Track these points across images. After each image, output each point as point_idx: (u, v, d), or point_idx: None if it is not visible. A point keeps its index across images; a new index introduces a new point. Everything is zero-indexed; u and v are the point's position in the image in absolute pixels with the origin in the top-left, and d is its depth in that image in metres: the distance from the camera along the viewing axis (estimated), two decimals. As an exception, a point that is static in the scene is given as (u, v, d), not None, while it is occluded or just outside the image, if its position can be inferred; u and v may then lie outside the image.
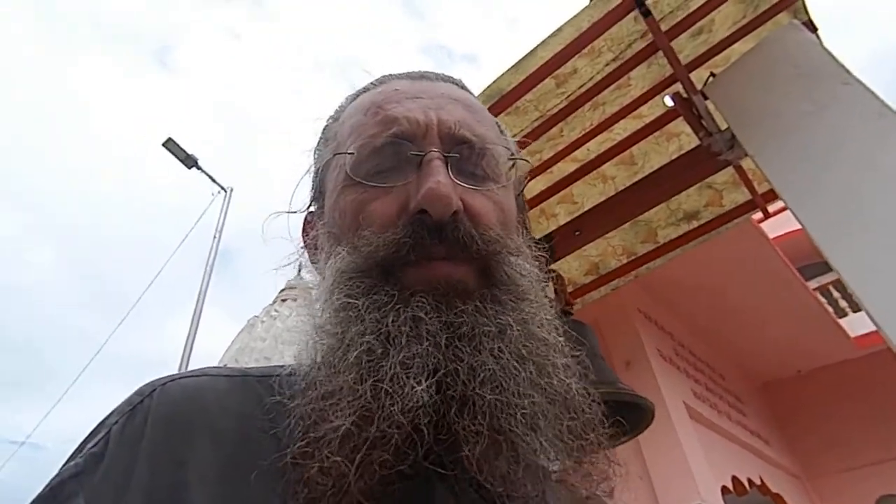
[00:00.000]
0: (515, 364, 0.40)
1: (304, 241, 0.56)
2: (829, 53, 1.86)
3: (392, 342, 0.38)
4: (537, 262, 0.49)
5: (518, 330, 0.42)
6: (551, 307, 0.47)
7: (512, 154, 0.53)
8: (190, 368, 0.44)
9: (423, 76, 0.55)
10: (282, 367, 0.44)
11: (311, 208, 0.56)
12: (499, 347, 0.40)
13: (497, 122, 0.57)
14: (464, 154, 0.48)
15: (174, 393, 0.38)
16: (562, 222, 2.50)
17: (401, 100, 0.50)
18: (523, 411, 0.39)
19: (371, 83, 0.56)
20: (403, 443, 0.36)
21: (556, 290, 2.17)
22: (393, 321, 0.39)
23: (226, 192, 5.34)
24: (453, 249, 0.43)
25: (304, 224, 0.58)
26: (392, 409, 0.36)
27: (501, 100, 2.07)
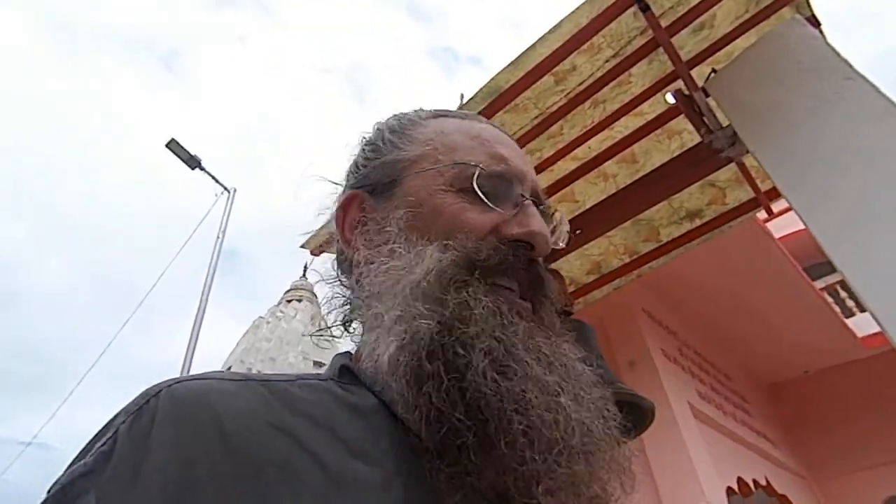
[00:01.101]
0: (586, 389, 0.46)
1: (346, 216, 0.59)
2: (833, 49, 1.84)
3: (530, 352, 0.44)
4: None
5: (577, 366, 0.48)
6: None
7: (564, 224, 0.63)
8: (193, 372, 0.46)
9: (503, 131, 0.63)
10: (282, 374, 0.46)
11: (365, 189, 0.59)
12: (576, 376, 0.46)
13: None
14: (545, 212, 0.57)
15: (180, 393, 0.38)
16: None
17: (502, 144, 0.58)
18: (601, 428, 0.45)
19: (459, 112, 0.64)
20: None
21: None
22: (520, 332, 0.45)
23: (229, 192, 5.35)
24: (531, 285, 0.51)
25: (347, 201, 0.59)
26: (557, 418, 0.41)
27: (500, 97, 2.05)
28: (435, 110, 0.63)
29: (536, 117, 2.18)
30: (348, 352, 0.56)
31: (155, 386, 0.40)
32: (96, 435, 0.38)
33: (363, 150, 0.62)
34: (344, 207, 0.59)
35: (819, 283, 5.35)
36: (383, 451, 0.41)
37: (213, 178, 5.19)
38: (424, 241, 0.50)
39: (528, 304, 0.50)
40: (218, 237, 4.89)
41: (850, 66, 1.75)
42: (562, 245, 0.61)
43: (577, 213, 2.43)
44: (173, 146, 4.80)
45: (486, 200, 0.51)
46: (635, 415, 1.94)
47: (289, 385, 0.43)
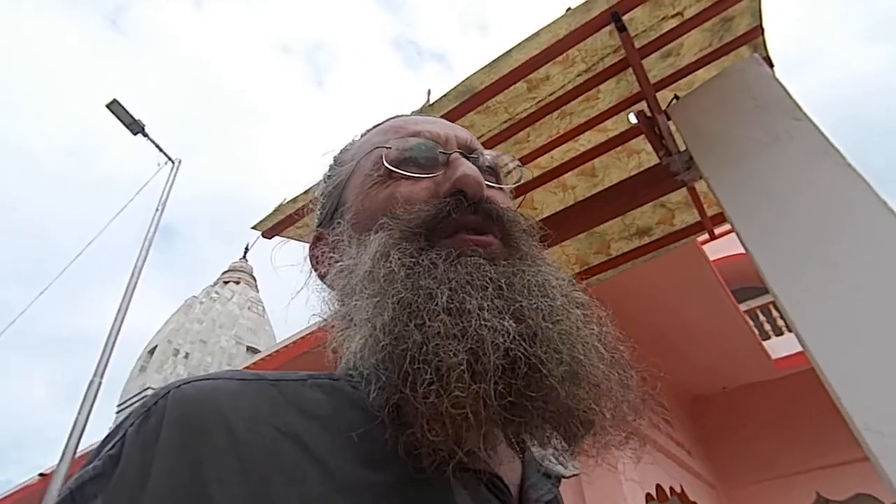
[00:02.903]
0: (566, 306, 0.45)
1: (314, 255, 0.60)
2: (785, 89, 1.96)
3: (465, 290, 0.42)
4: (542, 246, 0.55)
5: (556, 284, 0.47)
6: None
7: (513, 162, 0.63)
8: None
9: (430, 118, 0.63)
10: (294, 372, 0.44)
11: (324, 226, 0.61)
12: (548, 293, 0.45)
13: None
14: (479, 160, 0.56)
15: (189, 394, 0.38)
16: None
17: (418, 122, 0.59)
18: (585, 343, 0.44)
19: (378, 123, 0.64)
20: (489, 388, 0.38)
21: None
22: (455, 274, 0.43)
23: (173, 163, 5.05)
24: (486, 221, 0.49)
25: (312, 244, 0.61)
26: (496, 340, 0.39)
27: (472, 98, 2.06)
28: (369, 127, 0.65)
29: (506, 121, 2.20)
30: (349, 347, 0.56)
31: (164, 387, 0.39)
32: (106, 438, 0.38)
33: (323, 194, 0.64)
34: (311, 251, 0.61)
35: (742, 306, 5.72)
36: (391, 454, 0.40)
37: (157, 146, 4.87)
38: (370, 232, 0.50)
39: (487, 237, 0.49)
40: (157, 209, 4.62)
41: (800, 107, 1.88)
42: (520, 180, 0.62)
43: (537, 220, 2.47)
44: (115, 108, 4.47)
45: (409, 174, 0.52)
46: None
47: (299, 385, 0.43)
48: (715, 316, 4.93)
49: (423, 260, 0.45)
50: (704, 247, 4.65)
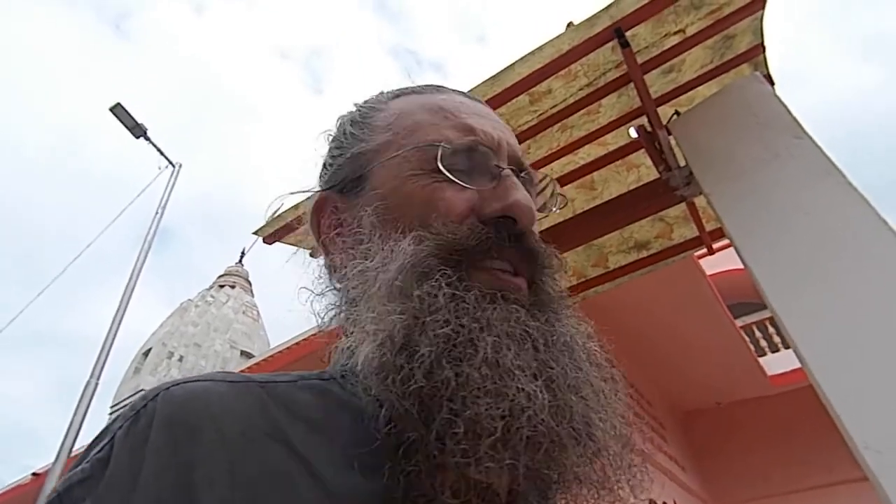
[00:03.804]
0: (589, 374, 0.44)
1: (319, 222, 0.55)
2: (786, 107, 1.98)
3: (506, 343, 0.40)
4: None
5: (580, 343, 0.46)
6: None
7: (553, 185, 0.59)
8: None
9: (471, 97, 0.58)
10: (284, 373, 0.44)
11: (335, 189, 0.55)
12: (575, 357, 0.44)
13: None
14: (524, 179, 0.53)
15: (178, 396, 0.37)
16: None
17: (469, 113, 0.53)
18: (602, 419, 0.42)
19: (418, 87, 0.58)
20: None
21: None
22: (496, 320, 0.41)
23: (174, 167, 5.05)
24: (522, 260, 0.47)
25: (318, 205, 0.56)
26: (529, 410, 0.37)
27: (475, 109, 2.07)
28: (396, 89, 0.59)
29: (507, 133, 2.21)
30: (351, 350, 0.53)
31: (154, 389, 0.38)
32: (94, 441, 0.37)
33: (329, 147, 0.59)
34: (317, 212, 0.55)
35: (738, 322, 5.72)
36: (382, 461, 0.39)
37: (158, 149, 4.87)
38: (399, 233, 0.46)
39: (520, 279, 0.47)
40: (157, 212, 4.61)
41: (800, 125, 1.89)
42: (556, 210, 0.59)
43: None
44: (118, 111, 4.49)
45: (457, 180, 0.48)
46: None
47: (289, 386, 0.42)
48: (711, 331, 4.93)
49: (464, 294, 0.42)
50: (701, 261, 4.66)
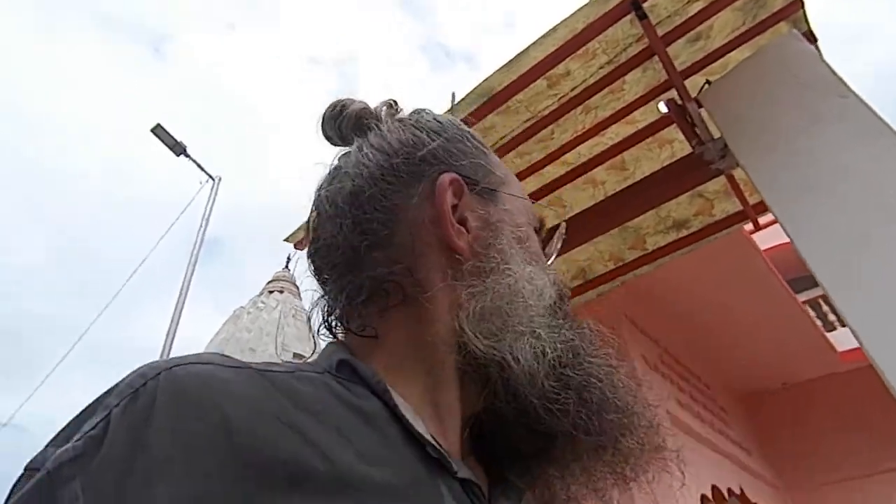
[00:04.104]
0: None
1: (446, 195, 0.50)
2: (828, 66, 1.83)
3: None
4: None
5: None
6: None
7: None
8: (187, 354, 0.40)
9: None
10: (278, 364, 0.42)
11: (466, 179, 0.53)
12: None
13: None
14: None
15: (182, 377, 0.35)
16: (549, 226, 2.46)
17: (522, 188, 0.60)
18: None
19: (479, 141, 0.59)
20: None
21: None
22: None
23: (214, 180, 5.24)
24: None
25: (454, 181, 0.51)
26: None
27: (492, 99, 2.02)
28: (465, 128, 0.59)
29: (527, 120, 2.15)
30: (343, 343, 0.50)
31: (152, 367, 0.36)
32: (81, 416, 0.35)
33: (436, 135, 0.54)
34: (453, 185, 0.51)
35: (802, 297, 5.40)
36: (398, 458, 0.38)
37: (199, 165, 5.07)
38: (533, 268, 0.50)
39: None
40: (201, 225, 4.80)
41: (846, 84, 1.74)
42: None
43: (564, 219, 2.40)
44: (159, 132, 4.69)
45: (543, 255, 0.55)
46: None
47: (289, 377, 0.40)
48: (769, 307, 4.67)
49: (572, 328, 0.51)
50: (755, 236, 4.42)
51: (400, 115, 0.57)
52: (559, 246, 0.60)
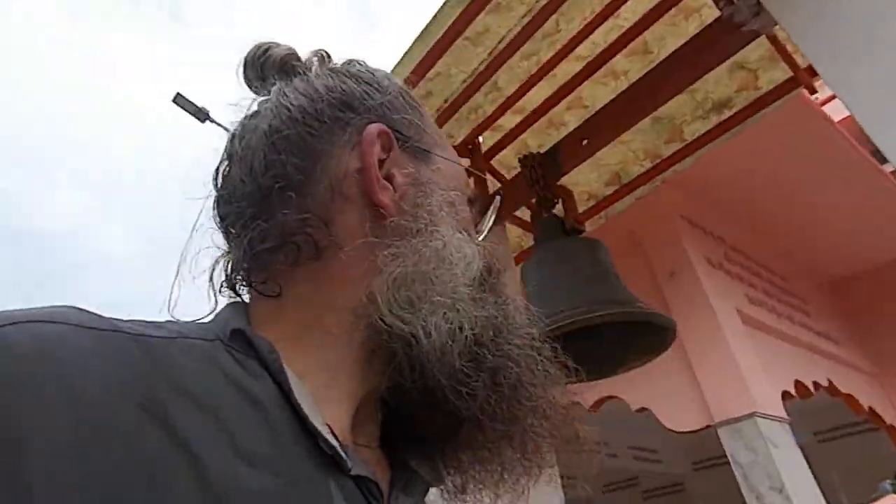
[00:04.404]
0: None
1: (374, 147, 0.46)
2: None
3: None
4: None
5: None
6: None
7: None
8: (42, 306, 0.32)
9: None
10: (160, 324, 0.36)
11: (397, 134, 0.49)
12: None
13: None
14: None
15: (18, 344, 0.27)
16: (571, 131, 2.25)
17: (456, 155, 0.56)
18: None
19: (414, 99, 0.54)
20: None
21: (564, 208, 1.98)
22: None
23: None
24: None
25: (383, 133, 0.47)
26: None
27: (479, -3, 1.80)
28: (405, 85, 0.55)
29: (525, 15, 1.91)
30: (244, 304, 0.44)
31: None
32: None
33: (367, 85, 0.49)
34: (381, 137, 0.46)
35: (888, 167, 4.81)
36: (284, 454, 0.33)
37: (225, 128, 5.05)
38: (465, 240, 0.47)
39: None
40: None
41: None
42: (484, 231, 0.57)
43: (585, 120, 2.18)
44: (179, 100, 4.71)
45: (473, 227, 0.52)
46: (655, 334, 1.80)
47: (167, 344, 0.33)
48: (850, 184, 4.19)
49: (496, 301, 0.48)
50: (828, 106, 3.91)
51: (331, 65, 0.52)
52: (493, 219, 0.56)
